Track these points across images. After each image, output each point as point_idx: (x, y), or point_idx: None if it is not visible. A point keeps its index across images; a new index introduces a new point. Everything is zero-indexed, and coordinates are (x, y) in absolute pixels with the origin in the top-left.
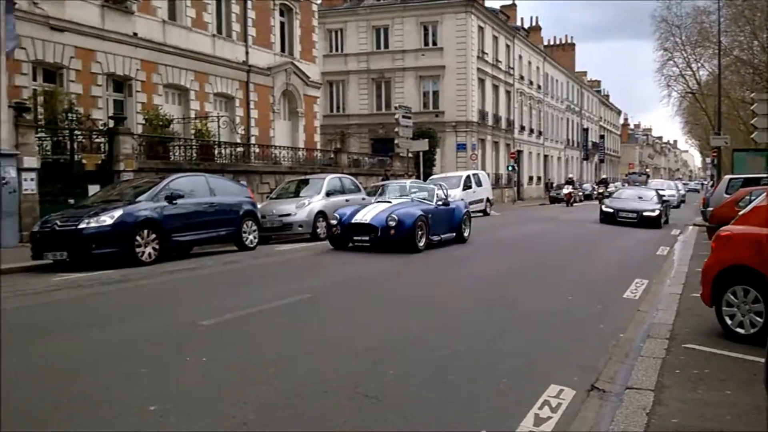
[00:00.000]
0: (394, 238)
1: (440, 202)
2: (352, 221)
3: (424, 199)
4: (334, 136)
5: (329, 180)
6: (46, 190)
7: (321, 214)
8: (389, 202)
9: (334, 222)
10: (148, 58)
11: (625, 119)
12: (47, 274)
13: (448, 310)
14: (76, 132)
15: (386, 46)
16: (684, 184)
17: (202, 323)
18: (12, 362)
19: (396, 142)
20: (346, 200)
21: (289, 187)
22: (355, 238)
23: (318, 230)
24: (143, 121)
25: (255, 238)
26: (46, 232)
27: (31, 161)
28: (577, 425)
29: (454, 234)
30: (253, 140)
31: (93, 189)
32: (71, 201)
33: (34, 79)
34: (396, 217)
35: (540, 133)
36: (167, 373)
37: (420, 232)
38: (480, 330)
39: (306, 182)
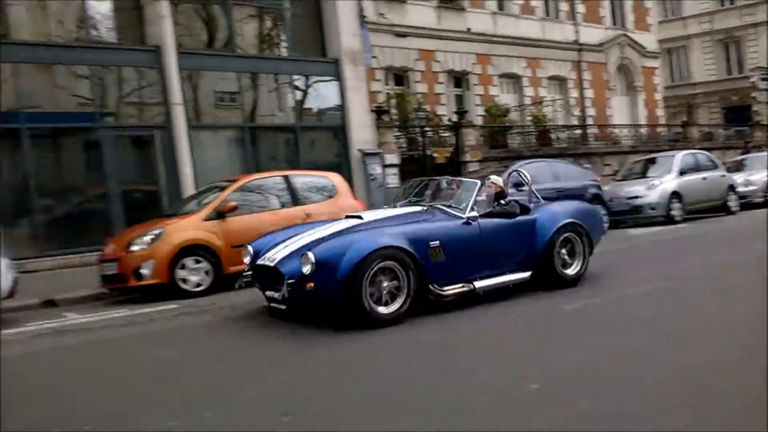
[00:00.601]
0: (313, 297)
1: (475, 214)
2: (257, 262)
3: (447, 207)
4: (678, 109)
5: (681, 157)
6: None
7: (675, 195)
8: (359, 217)
9: (247, 259)
10: (481, 51)
11: None
12: None
13: None
14: (426, 128)
15: (732, 1)
16: None
17: (563, 307)
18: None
19: (754, 109)
20: (703, 178)
21: (634, 168)
22: (266, 293)
23: (672, 212)
24: (482, 113)
25: (605, 223)
26: None
27: (392, 158)
28: None
29: (529, 273)
30: (589, 121)
31: None
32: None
33: (386, 84)
34: (313, 258)
35: None
36: (542, 354)
37: (385, 283)
38: None
39: (653, 161)
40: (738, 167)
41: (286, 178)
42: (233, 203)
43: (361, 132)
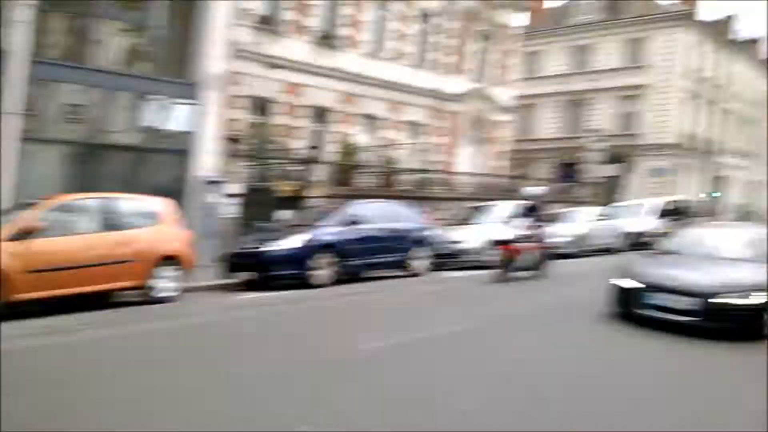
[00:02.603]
0: None
1: None
2: None
3: None
4: (521, 161)
5: (506, 206)
6: (247, 215)
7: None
8: None
9: None
10: (347, 90)
11: None
12: (236, 293)
13: None
14: (276, 161)
15: (585, 66)
16: None
17: (363, 347)
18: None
19: (584, 166)
20: None
21: (465, 214)
22: None
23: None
24: (336, 150)
25: (427, 264)
26: (238, 253)
27: (235, 188)
28: None
29: None
30: (438, 167)
31: (283, 214)
32: (262, 224)
33: (249, 113)
34: None
35: (752, 155)
36: (322, 395)
37: None
38: None
39: (483, 209)
40: (560, 219)
41: (107, 200)
42: (38, 224)
43: (208, 158)
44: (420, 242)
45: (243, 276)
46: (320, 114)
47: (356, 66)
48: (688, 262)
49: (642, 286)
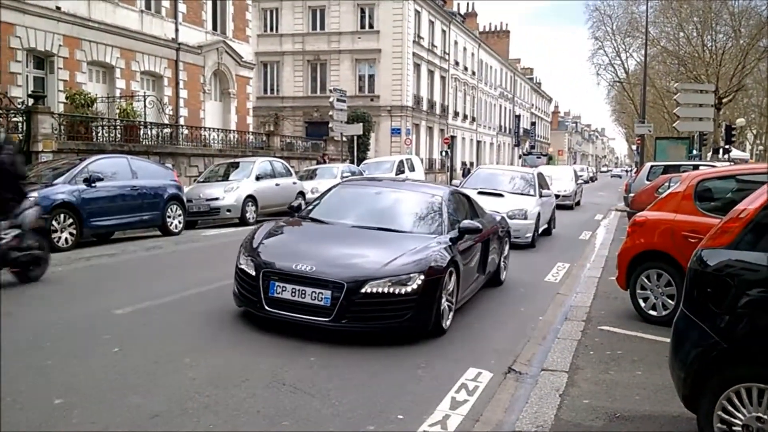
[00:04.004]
0: None
1: None
2: None
3: None
4: (267, 119)
5: (259, 163)
6: None
7: (250, 198)
8: None
9: None
10: (71, 33)
11: (556, 106)
12: None
13: None
14: None
15: (322, 27)
16: (608, 170)
17: (117, 311)
18: None
19: (330, 125)
20: (276, 184)
21: (218, 171)
22: None
23: (247, 215)
24: (65, 100)
25: (180, 222)
26: None
27: None
28: (492, 407)
29: None
30: (182, 121)
31: None
32: None
33: None
34: None
35: (473, 119)
36: (76, 364)
37: None
38: None
39: (236, 165)
40: (310, 176)
41: None
42: None
43: None
44: (173, 199)
45: None
46: (41, 59)
47: (78, 7)
48: (333, 235)
49: (265, 272)
